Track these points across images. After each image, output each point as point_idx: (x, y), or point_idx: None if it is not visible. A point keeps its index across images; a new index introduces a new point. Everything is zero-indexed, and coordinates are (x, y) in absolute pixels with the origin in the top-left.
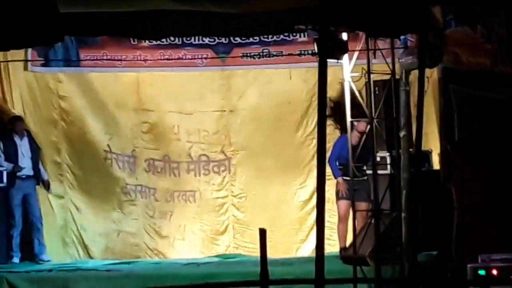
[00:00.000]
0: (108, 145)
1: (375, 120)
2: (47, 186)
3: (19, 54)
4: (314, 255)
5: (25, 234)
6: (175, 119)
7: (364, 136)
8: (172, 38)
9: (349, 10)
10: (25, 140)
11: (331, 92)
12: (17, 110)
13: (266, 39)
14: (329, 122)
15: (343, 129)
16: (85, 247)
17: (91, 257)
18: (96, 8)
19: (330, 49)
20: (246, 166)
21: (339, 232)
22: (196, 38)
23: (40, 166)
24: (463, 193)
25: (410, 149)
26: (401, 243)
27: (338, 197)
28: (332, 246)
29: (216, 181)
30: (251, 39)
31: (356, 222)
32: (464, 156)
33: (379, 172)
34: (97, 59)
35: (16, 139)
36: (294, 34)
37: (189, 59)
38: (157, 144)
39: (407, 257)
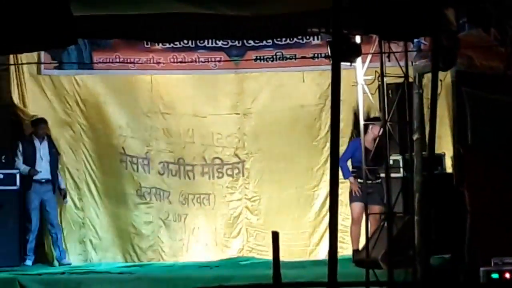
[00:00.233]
0: (123, 147)
1: (388, 123)
2: (63, 195)
3: (32, 57)
4: (327, 258)
5: (38, 237)
6: (189, 122)
7: (377, 140)
8: (185, 41)
9: (362, 13)
10: (45, 143)
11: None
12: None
13: (279, 42)
14: (342, 125)
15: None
16: (101, 250)
17: (106, 260)
18: (109, 11)
19: (343, 52)
20: (260, 169)
21: (352, 235)
22: (210, 41)
23: (58, 173)
24: (476, 196)
25: (423, 152)
26: (414, 246)
27: (352, 200)
28: (345, 249)
29: (230, 184)
30: (264, 42)
31: (369, 225)
32: (477, 159)
33: (392, 175)
34: (110, 62)
35: (36, 142)
36: (308, 37)
37: (202, 62)
38: (171, 146)
39: (420, 260)
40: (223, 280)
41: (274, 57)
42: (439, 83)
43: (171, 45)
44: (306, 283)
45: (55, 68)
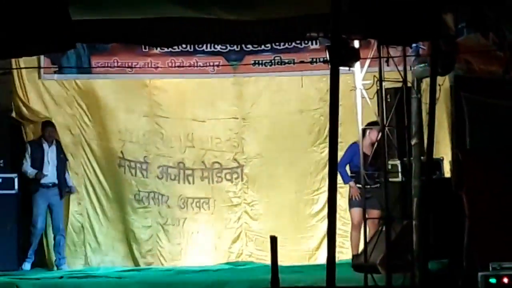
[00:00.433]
0: (121, 151)
1: (386, 128)
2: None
3: (33, 61)
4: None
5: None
6: (188, 126)
7: (376, 144)
8: (183, 45)
9: (361, 18)
10: (53, 148)
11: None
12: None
13: (278, 47)
14: (340, 130)
15: None
16: (100, 254)
17: (104, 264)
18: (108, 16)
19: (342, 56)
20: (259, 173)
21: (352, 240)
22: (208, 45)
23: (67, 175)
24: (474, 201)
25: (422, 157)
26: (412, 250)
27: (351, 205)
28: (344, 254)
29: (229, 188)
30: (262, 47)
31: (368, 230)
32: (475, 164)
33: (391, 179)
34: (108, 66)
35: (45, 145)
36: (306, 41)
37: (200, 66)
38: (170, 151)
39: (418, 265)
40: (221, 285)
41: (273, 61)
42: (438, 87)
43: (169, 49)
44: (305, 287)
45: (55, 72)
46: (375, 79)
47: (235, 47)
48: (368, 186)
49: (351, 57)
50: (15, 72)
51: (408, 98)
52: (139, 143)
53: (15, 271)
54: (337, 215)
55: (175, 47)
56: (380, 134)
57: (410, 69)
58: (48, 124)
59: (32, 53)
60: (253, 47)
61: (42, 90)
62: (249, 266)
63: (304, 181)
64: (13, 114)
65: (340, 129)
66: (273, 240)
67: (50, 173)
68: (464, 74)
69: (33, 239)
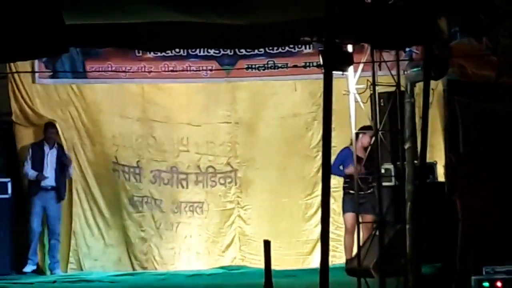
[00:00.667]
0: (115, 156)
1: (380, 132)
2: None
3: (26, 66)
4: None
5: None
6: (183, 130)
7: (369, 148)
8: (177, 50)
9: (354, 22)
10: (54, 150)
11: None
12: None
13: (271, 51)
14: (334, 134)
15: None
16: (93, 258)
17: (97, 268)
18: (102, 20)
19: (335, 61)
20: (252, 178)
21: (346, 244)
22: (201, 49)
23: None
24: (468, 205)
25: (415, 161)
26: (406, 255)
27: (345, 210)
28: (338, 258)
29: (222, 192)
30: (256, 51)
31: (362, 234)
32: (469, 168)
33: (384, 184)
34: (102, 71)
35: (46, 147)
36: (299, 46)
37: (194, 70)
38: (164, 155)
39: (412, 269)
40: None
41: (266, 66)
42: (431, 92)
43: (163, 53)
44: None
45: (50, 77)
46: (369, 84)
47: (228, 51)
48: (362, 192)
49: (344, 62)
50: (11, 76)
51: (402, 102)
52: (132, 147)
53: (8, 275)
54: (331, 220)
55: (169, 51)
56: (372, 138)
57: (404, 74)
58: (48, 126)
59: (26, 57)
60: (246, 51)
61: (36, 94)
62: (243, 271)
63: (297, 185)
64: (13, 118)
65: (333, 134)
66: (267, 244)
67: (49, 176)
68: (457, 79)
69: (31, 239)
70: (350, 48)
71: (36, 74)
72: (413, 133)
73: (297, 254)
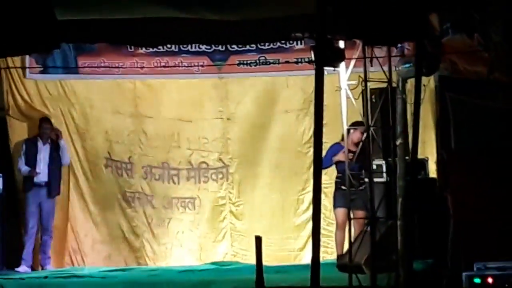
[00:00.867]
0: (108, 152)
1: (371, 128)
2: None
3: (17, 61)
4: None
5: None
6: (174, 126)
7: (361, 144)
8: (168, 46)
9: (346, 18)
10: (47, 146)
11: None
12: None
13: (262, 47)
14: (325, 130)
15: None
16: (84, 254)
17: (89, 264)
18: (94, 16)
19: (327, 57)
20: (244, 173)
21: (337, 240)
22: (193, 45)
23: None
24: (459, 201)
25: (406, 157)
26: (397, 251)
27: (336, 205)
28: (329, 254)
29: (214, 188)
30: (247, 47)
31: (353, 230)
32: (460, 164)
33: (375, 180)
34: (94, 66)
35: (39, 143)
36: (291, 41)
37: (185, 66)
38: (155, 151)
39: (403, 265)
40: (205, 285)
41: (258, 61)
42: (423, 88)
43: (155, 49)
44: (289, 287)
45: (40, 72)
46: (360, 80)
47: (220, 47)
48: (353, 188)
49: (336, 58)
50: (4, 71)
51: (393, 98)
52: (124, 143)
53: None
54: (322, 215)
55: (160, 47)
56: (363, 134)
57: (395, 70)
58: (42, 121)
59: (17, 53)
60: (238, 47)
61: (28, 90)
62: (234, 266)
63: (289, 181)
64: (6, 112)
65: (324, 129)
66: (258, 240)
67: (42, 172)
68: (449, 75)
69: (26, 239)
70: (341, 44)
71: (27, 70)
72: (404, 129)
73: (289, 250)
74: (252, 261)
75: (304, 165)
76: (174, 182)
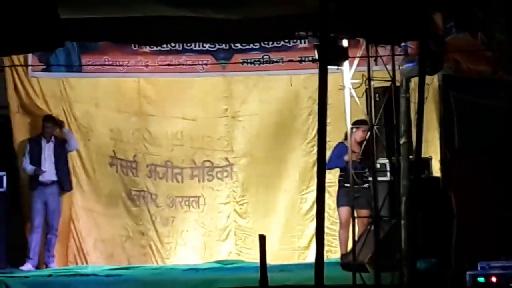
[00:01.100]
0: (113, 150)
1: (375, 127)
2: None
3: (20, 59)
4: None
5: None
6: (178, 124)
7: (364, 143)
8: (172, 44)
9: (349, 17)
10: (51, 144)
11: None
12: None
13: (266, 45)
14: (329, 129)
15: None
16: (88, 252)
17: (93, 262)
18: (97, 14)
19: (330, 55)
20: (248, 172)
21: (341, 239)
22: (197, 44)
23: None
24: (463, 200)
25: (410, 156)
26: (401, 250)
27: (339, 204)
28: (333, 253)
29: (219, 187)
30: (251, 45)
31: (357, 229)
32: (464, 163)
33: (379, 179)
34: (98, 65)
35: (43, 142)
36: (295, 40)
37: (189, 65)
38: (159, 149)
39: (406, 264)
40: (209, 283)
41: (261, 60)
42: (426, 87)
43: (159, 48)
44: (293, 286)
45: (43, 70)
46: (364, 78)
47: (223, 45)
48: (357, 186)
49: (339, 56)
50: (8, 69)
51: (397, 97)
52: (129, 142)
53: (3, 269)
54: (326, 214)
55: (164, 45)
56: (366, 133)
57: (399, 68)
58: (45, 120)
59: (21, 51)
60: (241, 45)
61: (31, 88)
62: (238, 265)
63: (293, 180)
64: (10, 111)
65: (328, 128)
66: (262, 238)
67: (48, 170)
68: (452, 74)
69: (32, 237)
70: (345, 43)
71: (30, 68)
72: (408, 128)
73: (293, 249)
74: (256, 259)
75: (308, 163)
76: (177, 181)
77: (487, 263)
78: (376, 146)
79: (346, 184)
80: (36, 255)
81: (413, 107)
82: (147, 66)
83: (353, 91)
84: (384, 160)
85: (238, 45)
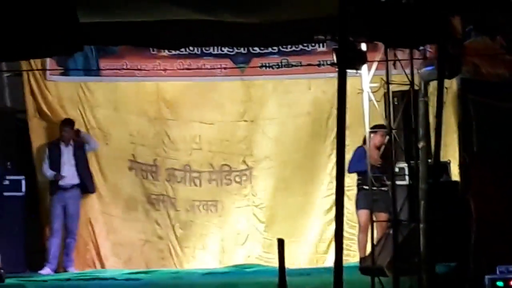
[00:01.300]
0: (133, 154)
1: (393, 131)
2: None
3: (37, 63)
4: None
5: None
6: (196, 128)
7: (383, 147)
8: (191, 48)
9: (368, 21)
10: (70, 148)
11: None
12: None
13: (285, 49)
14: (347, 132)
15: None
16: (107, 256)
17: (112, 266)
18: (116, 18)
19: (349, 59)
20: (267, 176)
21: (359, 242)
22: (215, 48)
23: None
24: (482, 204)
25: (429, 160)
26: (419, 254)
27: (358, 207)
28: (352, 257)
29: (237, 191)
30: (270, 49)
31: (376, 233)
32: (482, 167)
33: (398, 182)
34: (117, 69)
35: (62, 146)
36: (313, 44)
37: (208, 69)
38: (177, 153)
39: (425, 268)
40: None
41: (280, 64)
42: (445, 90)
43: (177, 52)
44: None
45: (61, 74)
46: (382, 82)
47: (242, 49)
48: (376, 189)
49: (358, 60)
50: (25, 73)
51: (415, 101)
52: (149, 146)
53: (22, 273)
54: (344, 218)
55: (183, 49)
56: (384, 137)
57: (418, 72)
58: (64, 124)
59: (40, 55)
60: (260, 49)
61: (49, 92)
62: (257, 269)
63: (311, 183)
64: (28, 115)
65: (347, 132)
66: (281, 243)
67: (68, 175)
68: (471, 77)
69: (51, 241)
70: (364, 46)
71: (47, 72)
72: (426, 132)
73: (311, 253)
74: (275, 264)
75: (327, 167)
76: (195, 185)
77: (506, 267)
78: (394, 150)
79: (365, 187)
80: (55, 259)
81: (432, 111)
82: (165, 70)
83: (371, 95)
84: (403, 164)
85: (257, 49)
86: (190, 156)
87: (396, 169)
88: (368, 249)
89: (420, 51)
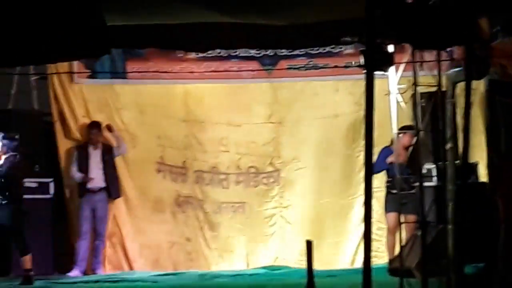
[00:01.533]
0: (161, 156)
1: (421, 132)
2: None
3: (64, 66)
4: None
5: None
6: (223, 131)
7: (410, 149)
8: (218, 51)
9: (395, 22)
10: (98, 150)
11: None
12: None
13: (312, 51)
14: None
15: None
16: (135, 258)
17: (140, 268)
18: (143, 21)
19: (376, 61)
20: (295, 178)
21: (388, 244)
22: (242, 50)
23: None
24: (510, 205)
25: (456, 161)
26: (448, 255)
27: (387, 209)
28: (380, 258)
29: (265, 193)
30: (296, 51)
31: (404, 235)
32: (510, 168)
33: (426, 184)
34: (143, 71)
35: (90, 149)
36: (340, 46)
37: (235, 71)
38: (205, 155)
39: (454, 269)
40: None
41: (307, 66)
42: (472, 92)
43: (204, 54)
44: None
45: (88, 77)
46: (410, 84)
47: (269, 51)
48: (404, 193)
49: (385, 62)
50: (51, 77)
51: (443, 102)
52: (177, 148)
53: (50, 275)
54: (373, 220)
55: (210, 52)
56: (412, 138)
57: (445, 74)
58: (91, 126)
59: (67, 58)
60: (287, 51)
61: (76, 95)
62: (284, 270)
63: (339, 185)
64: (54, 118)
65: (374, 134)
66: (309, 244)
67: (95, 177)
68: (499, 79)
69: (80, 244)
70: (391, 48)
71: (75, 75)
72: (454, 133)
73: (340, 254)
74: (303, 265)
75: (354, 169)
76: (223, 187)
77: None
78: (422, 151)
79: (393, 191)
80: (83, 261)
81: (459, 112)
82: (192, 72)
83: (399, 96)
84: (431, 165)
85: (284, 51)
86: (217, 158)
87: (424, 170)
88: (397, 250)
89: (447, 53)
